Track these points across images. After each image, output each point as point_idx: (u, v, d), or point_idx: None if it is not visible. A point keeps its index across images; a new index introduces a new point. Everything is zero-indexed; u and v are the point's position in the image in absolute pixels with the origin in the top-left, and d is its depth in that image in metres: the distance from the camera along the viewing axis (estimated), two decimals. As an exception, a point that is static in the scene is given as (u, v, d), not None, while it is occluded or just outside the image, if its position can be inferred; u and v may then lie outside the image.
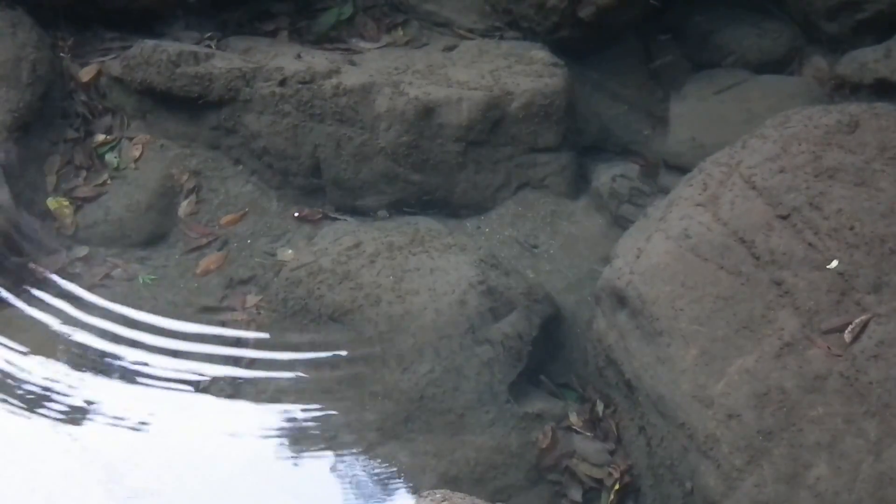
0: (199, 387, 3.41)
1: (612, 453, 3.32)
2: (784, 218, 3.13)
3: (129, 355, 3.46)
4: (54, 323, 3.50)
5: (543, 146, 3.95)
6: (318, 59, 4.02)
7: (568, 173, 3.98)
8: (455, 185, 3.94)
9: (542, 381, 3.49)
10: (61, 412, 3.30)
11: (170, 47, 3.99)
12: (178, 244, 3.88)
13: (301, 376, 3.41)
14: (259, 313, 3.60)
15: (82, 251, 3.78)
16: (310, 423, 3.32)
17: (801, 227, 3.10)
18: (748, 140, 3.39)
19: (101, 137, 4.05)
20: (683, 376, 3.00)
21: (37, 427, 3.26)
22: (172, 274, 3.77)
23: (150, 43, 4.02)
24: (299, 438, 3.30)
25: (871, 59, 3.94)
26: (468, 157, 3.90)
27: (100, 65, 4.13)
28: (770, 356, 2.92)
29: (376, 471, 3.22)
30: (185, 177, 3.99)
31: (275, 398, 3.38)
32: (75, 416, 3.30)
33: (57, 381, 3.37)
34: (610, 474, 3.29)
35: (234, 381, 3.43)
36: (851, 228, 3.05)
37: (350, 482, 3.22)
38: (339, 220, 3.92)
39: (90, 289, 3.64)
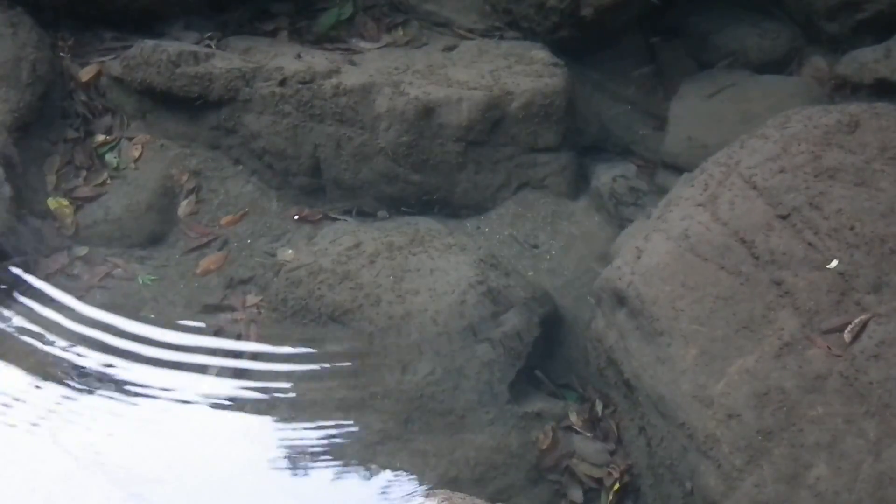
0: (199, 387, 3.41)
1: (612, 453, 3.32)
2: (784, 218, 3.13)
3: (129, 355, 3.46)
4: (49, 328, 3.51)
5: (543, 146, 3.95)
6: (318, 59, 4.03)
7: (568, 173, 3.98)
8: (455, 185, 3.94)
9: (542, 381, 3.49)
10: (61, 412, 3.30)
11: (170, 47, 3.99)
12: (178, 244, 3.88)
13: (301, 377, 3.41)
14: (259, 313, 3.60)
15: (82, 251, 3.78)
16: (310, 424, 3.32)
17: (801, 227, 3.10)
18: (748, 140, 3.39)
19: (101, 137, 4.05)
20: (683, 376, 3.00)
21: (37, 427, 3.26)
22: (172, 274, 3.77)
23: (150, 43, 4.02)
24: (299, 438, 3.30)
25: (871, 59, 3.94)
26: (468, 157, 3.90)
27: (100, 65, 4.14)
28: (770, 356, 2.92)
29: (376, 471, 3.22)
30: (185, 177, 3.99)
31: (274, 399, 3.38)
32: (76, 415, 3.30)
33: (57, 381, 3.37)
34: (610, 474, 3.29)
35: (233, 380, 3.43)
36: (851, 228, 3.05)
37: (350, 482, 3.21)
38: (339, 220, 3.92)
39: (89, 289, 3.64)
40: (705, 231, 3.18)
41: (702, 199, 3.27)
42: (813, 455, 2.77)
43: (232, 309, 3.64)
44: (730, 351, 2.98)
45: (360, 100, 3.87)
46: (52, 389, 3.34)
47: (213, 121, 4.02)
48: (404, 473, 3.22)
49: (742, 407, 2.87)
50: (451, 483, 3.17)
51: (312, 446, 3.28)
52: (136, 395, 3.38)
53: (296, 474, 3.24)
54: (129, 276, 3.73)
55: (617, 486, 3.25)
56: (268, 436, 3.31)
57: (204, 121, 4.03)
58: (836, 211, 3.09)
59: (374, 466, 3.23)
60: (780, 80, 4.17)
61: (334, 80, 3.90)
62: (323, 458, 3.26)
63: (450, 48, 4.21)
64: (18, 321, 3.49)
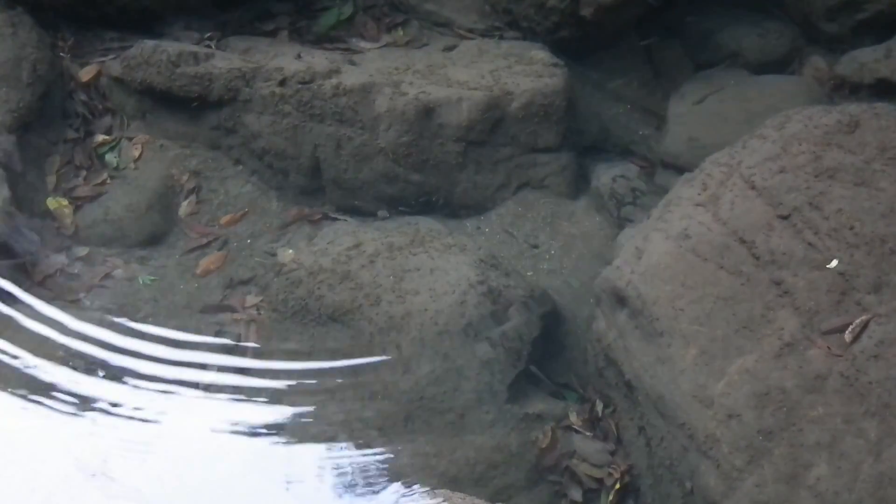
0: (200, 385, 3.41)
1: (612, 453, 3.32)
2: (784, 218, 3.13)
3: (129, 356, 3.46)
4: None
5: (543, 146, 3.95)
6: (318, 59, 4.03)
7: (568, 173, 3.98)
8: (455, 185, 3.94)
9: (542, 381, 3.49)
10: (61, 412, 3.30)
11: (170, 47, 3.99)
12: (178, 244, 3.88)
13: (301, 377, 3.41)
14: (259, 313, 3.60)
15: (82, 251, 3.78)
16: (310, 424, 3.32)
17: (801, 227, 3.10)
18: (748, 140, 3.39)
19: (100, 137, 4.05)
20: (683, 376, 3.00)
21: (36, 427, 3.26)
22: (172, 274, 3.77)
23: (150, 43, 4.02)
24: (299, 438, 3.30)
25: (871, 59, 3.94)
26: (468, 158, 3.90)
27: (100, 65, 4.14)
28: (770, 356, 2.92)
29: (376, 471, 3.22)
30: (185, 177, 3.99)
31: (274, 398, 3.38)
32: (75, 416, 3.30)
33: (56, 382, 3.37)
34: (610, 474, 3.29)
35: (233, 381, 3.43)
36: (851, 228, 3.05)
37: (350, 482, 3.21)
38: (339, 220, 3.92)
39: (89, 290, 3.64)
40: (705, 231, 3.18)
41: (702, 199, 3.27)
42: (813, 455, 2.77)
43: (232, 309, 3.64)
44: (730, 351, 2.98)
45: (360, 100, 3.86)
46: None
47: (213, 121, 4.02)
48: (404, 473, 3.22)
49: (742, 407, 2.87)
50: (451, 483, 3.17)
51: (312, 446, 3.28)
52: (136, 395, 3.39)
53: (295, 474, 3.24)
54: (129, 277, 3.73)
55: (617, 486, 3.25)
56: (267, 436, 3.31)
57: (204, 121, 4.03)
58: (836, 211, 3.09)
59: (374, 466, 3.23)
60: (780, 80, 4.17)
61: (334, 80, 3.90)
62: (323, 457, 3.26)
63: (450, 48, 4.21)
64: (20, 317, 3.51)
